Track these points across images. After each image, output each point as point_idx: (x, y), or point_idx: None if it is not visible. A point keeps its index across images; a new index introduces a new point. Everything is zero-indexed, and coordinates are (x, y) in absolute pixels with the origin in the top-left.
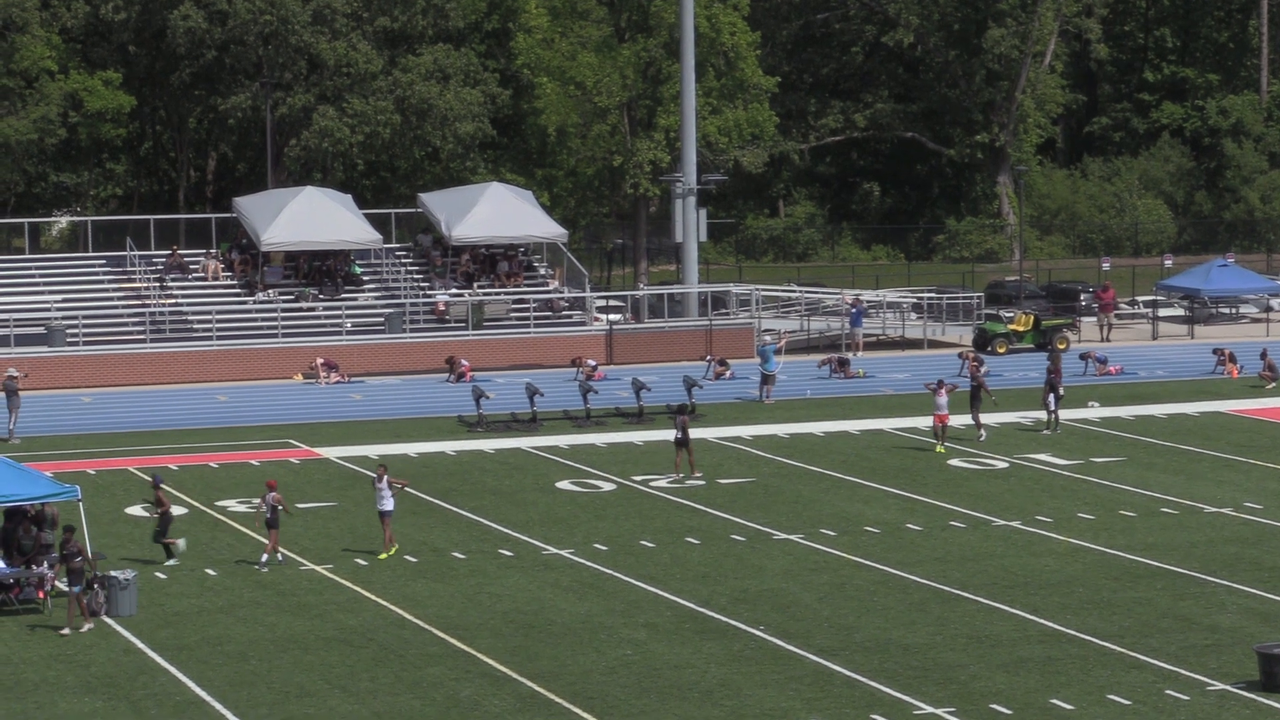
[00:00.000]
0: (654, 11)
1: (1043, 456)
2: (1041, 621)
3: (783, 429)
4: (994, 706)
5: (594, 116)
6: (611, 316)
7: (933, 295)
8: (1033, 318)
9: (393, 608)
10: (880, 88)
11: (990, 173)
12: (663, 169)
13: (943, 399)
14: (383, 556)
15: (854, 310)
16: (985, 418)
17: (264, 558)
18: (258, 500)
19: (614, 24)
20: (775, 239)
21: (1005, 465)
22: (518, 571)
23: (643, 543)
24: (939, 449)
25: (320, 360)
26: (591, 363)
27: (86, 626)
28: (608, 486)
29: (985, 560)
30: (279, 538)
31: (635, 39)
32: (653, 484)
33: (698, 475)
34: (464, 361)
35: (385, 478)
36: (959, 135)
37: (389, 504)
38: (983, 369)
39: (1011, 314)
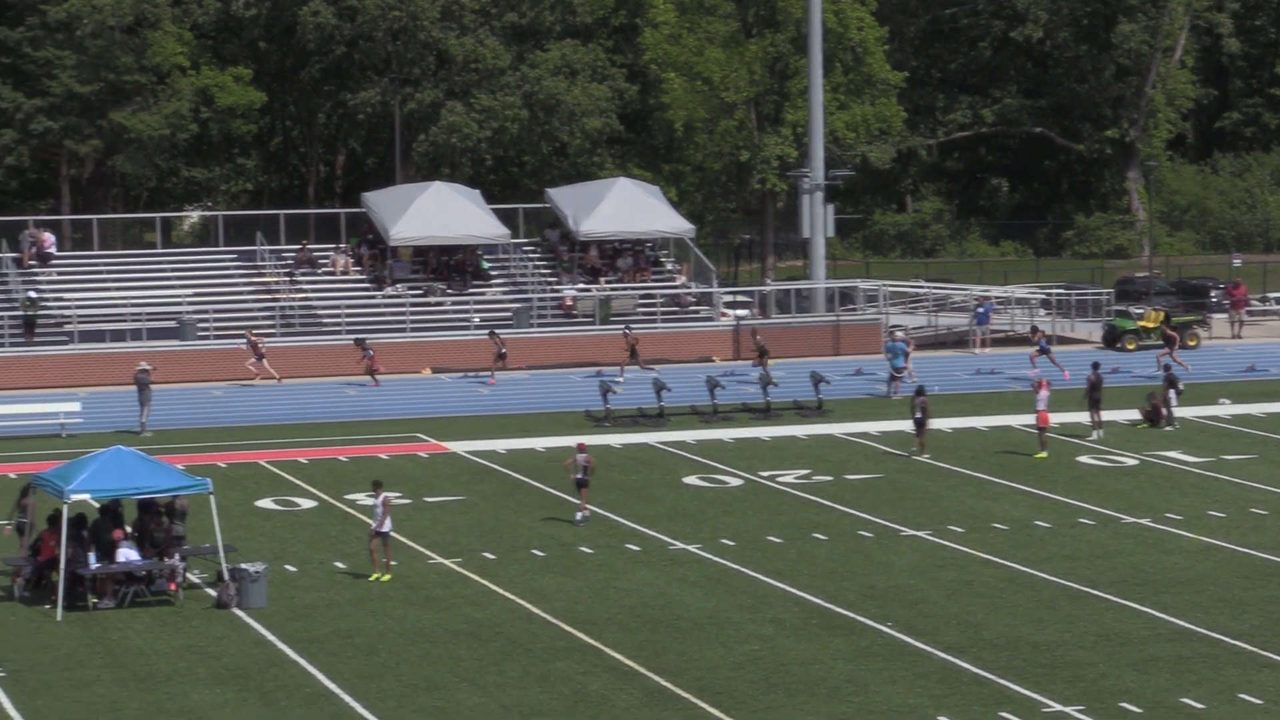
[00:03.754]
0: (782, 7)
1: (1172, 454)
2: (1171, 620)
3: (910, 425)
4: (1123, 705)
5: (721, 112)
6: (738, 312)
7: (1061, 291)
8: (1163, 314)
9: (521, 602)
10: (1009, 83)
11: (1120, 168)
12: (790, 164)
13: (1042, 394)
14: (378, 578)
15: (981, 307)
16: (1112, 414)
17: (578, 516)
18: (568, 460)
19: (741, 19)
20: (903, 234)
21: (1134, 462)
22: (645, 566)
23: (770, 538)
24: (1040, 454)
25: (253, 340)
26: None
27: None
28: (735, 481)
29: (1114, 558)
30: (588, 496)
31: (763, 34)
32: (780, 479)
33: (925, 455)
34: (370, 352)
35: (382, 495)
36: (1088, 130)
37: (387, 525)
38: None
39: (1141, 310)
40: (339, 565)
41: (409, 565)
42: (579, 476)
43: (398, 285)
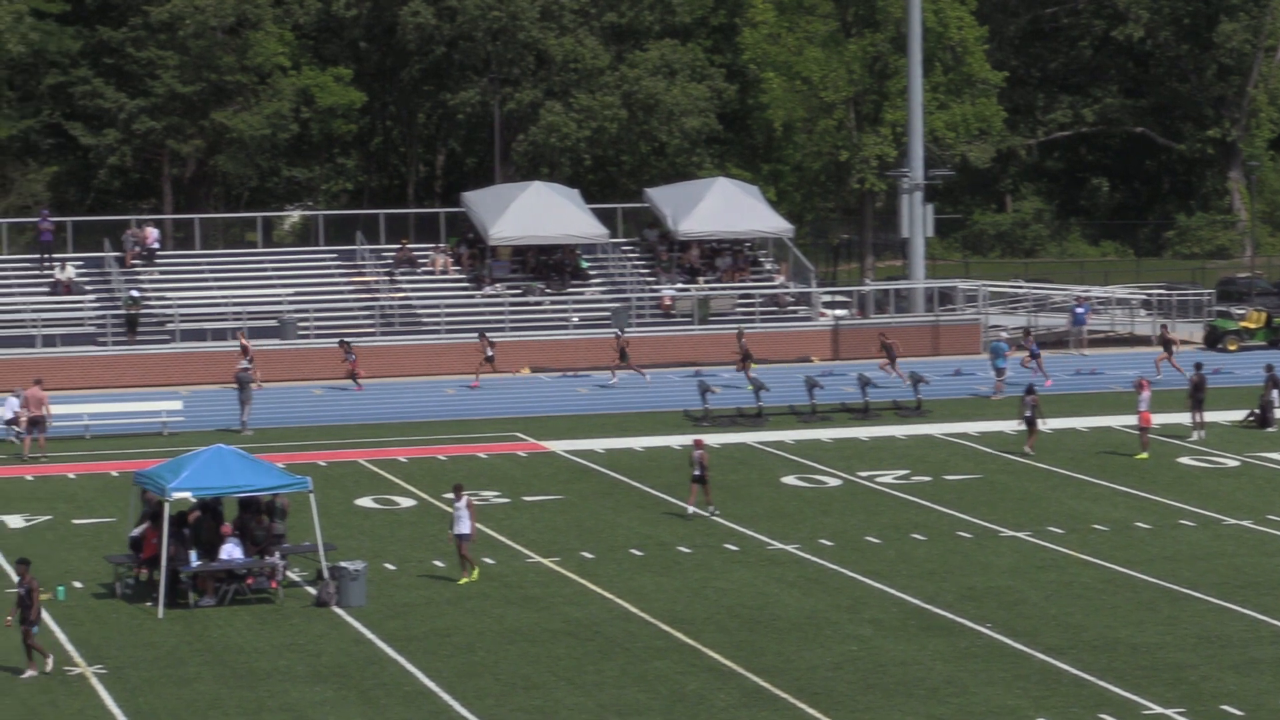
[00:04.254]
0: (881, 6)
1: (1275, 455)
2: (1274, 622)
3: (1010, 425)
4: (1225, 708)
5: (820, 111)
6: (837, 312)
7: (1162, 292)
8: (1265, 315)
9: (619, 601)
10: (1109, 82)
11: (1221, 168)
12: (889, 164)
13: (1144, 395)
14: (462, 581)
15: (1079, 308)
16: (1214, 415)
17: (694, 509)
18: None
19: (841, 19)
20: (1002, 234)
21: (1236, 464)
22: (743, 566)
23: (868, 538)
24: (1140, 455)
25: (241, 341)
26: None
27: (30, 673)
28: (833, 482)
29: (1216, 559)
30: (708, 491)
31: (862, 33)
32: (878, 479)
33: (1031, 453)
34: (353, 355)
35: (465, 498)
36: (1189, 130)
37: (465, 526)
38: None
39: (1243, 311)
40: (438, 564)
41: (507, 564)
42: (696, 473)
43: (497, 284)
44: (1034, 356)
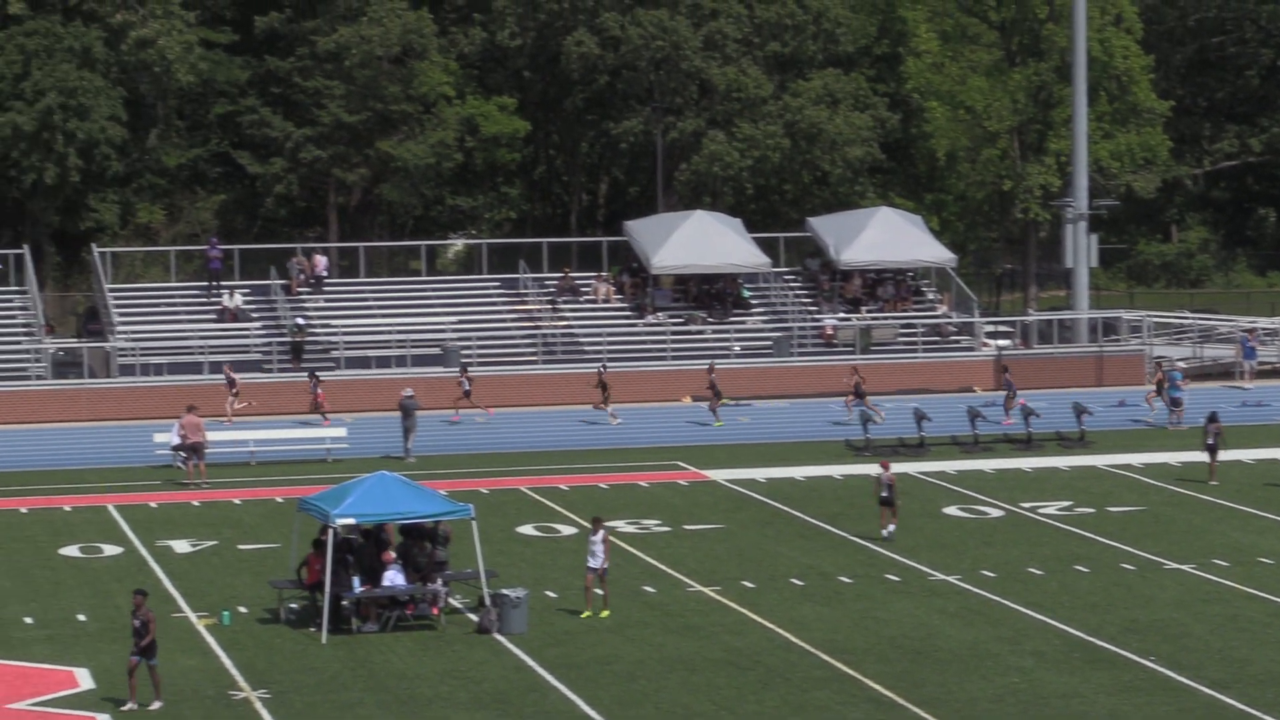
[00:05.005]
0: (1045, 35)
1: None
2: None
3: (1174, 457)
4: None
5: (984, 141)
6: (1000, 342)
7: None
8: None
9: (779, 630)
10: (1277, 111)
11: None
12: (1053, 193)
13: None
14: (587, 615)
15: (1248, 342)
16: None
17: (884, 531)
18: (876, 478)
19: (1005, 48)
20: (1167, 265)
21: None
22: (904, 597)
23: (1031, 570)
24: None
25: (230, 375)
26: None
27: (156, 705)
28: (995, 513)
29: None
30: (895, 513)
31: (1026, 63)
32: (1041, 510)
33: (1214, 482)
34: (318, 388)
35: (601, 532)
36: None
37: (600, 561)
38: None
39: None
40: (598, 591)
41: (668, 593)
42: (884, 494)
43: (659, 313)
44: (1010, 393)
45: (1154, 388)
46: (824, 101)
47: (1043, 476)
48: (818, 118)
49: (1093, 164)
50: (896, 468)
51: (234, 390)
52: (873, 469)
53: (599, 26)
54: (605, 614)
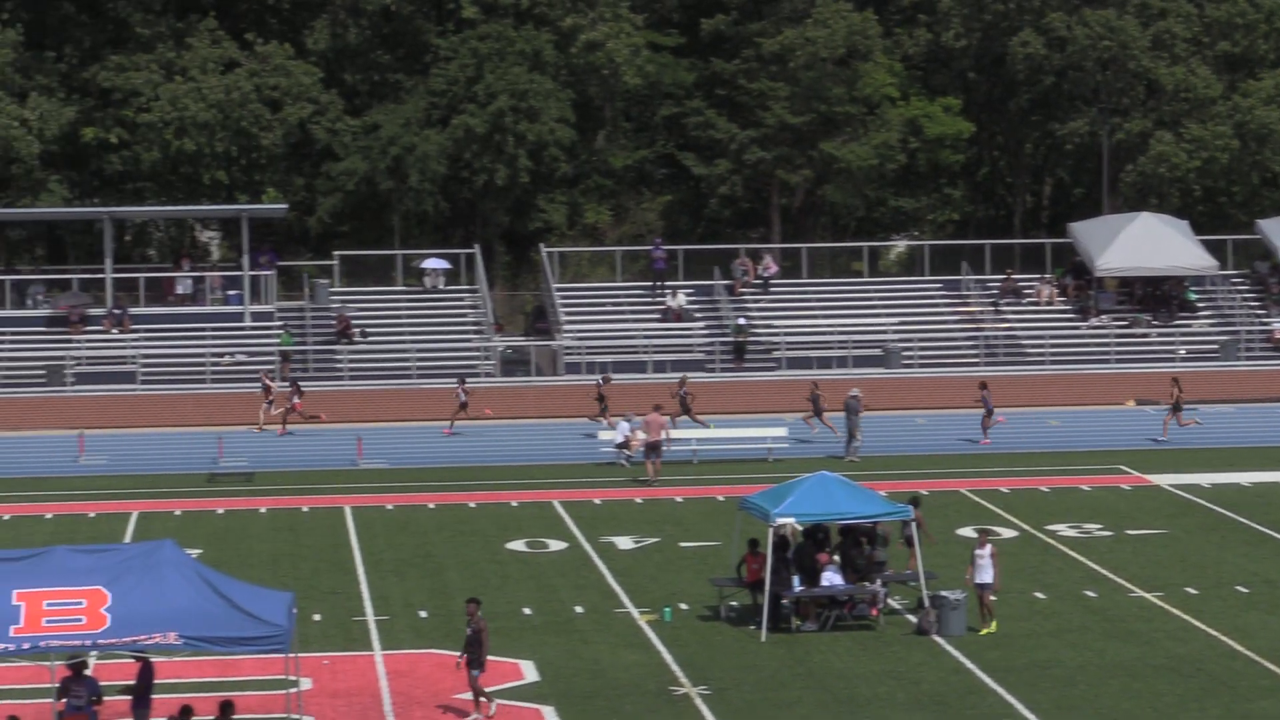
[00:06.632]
0: None
1: None
2: None
3: None
4: None
5: None
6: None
7: None
8: None
9: (1223, 638)
10: None
11: None
12: None
13: None
14: (984, 632)
15: None
16: None
17: None
18: None
19: None
20: None
21: None
22: None
23: None
24: None
25: (268, 382)
26: None
27: (474, 716)
28: None
29: None
30: None
31: None
32: None
33: None
34: (291, 397)
35: (988, 546)
36: None
37: (987, 575)
38: None
39: None
40: (1039, 595)
41: (1109, 598)
42: None
43: (1103, 316)
44: (988, 412)
45: None
46: (1275, 102)
47: None
48: (1268, 118)
49: None
50: None
51: (269, 397)
52: None
53: (1045, 27)
54: (989, 630)
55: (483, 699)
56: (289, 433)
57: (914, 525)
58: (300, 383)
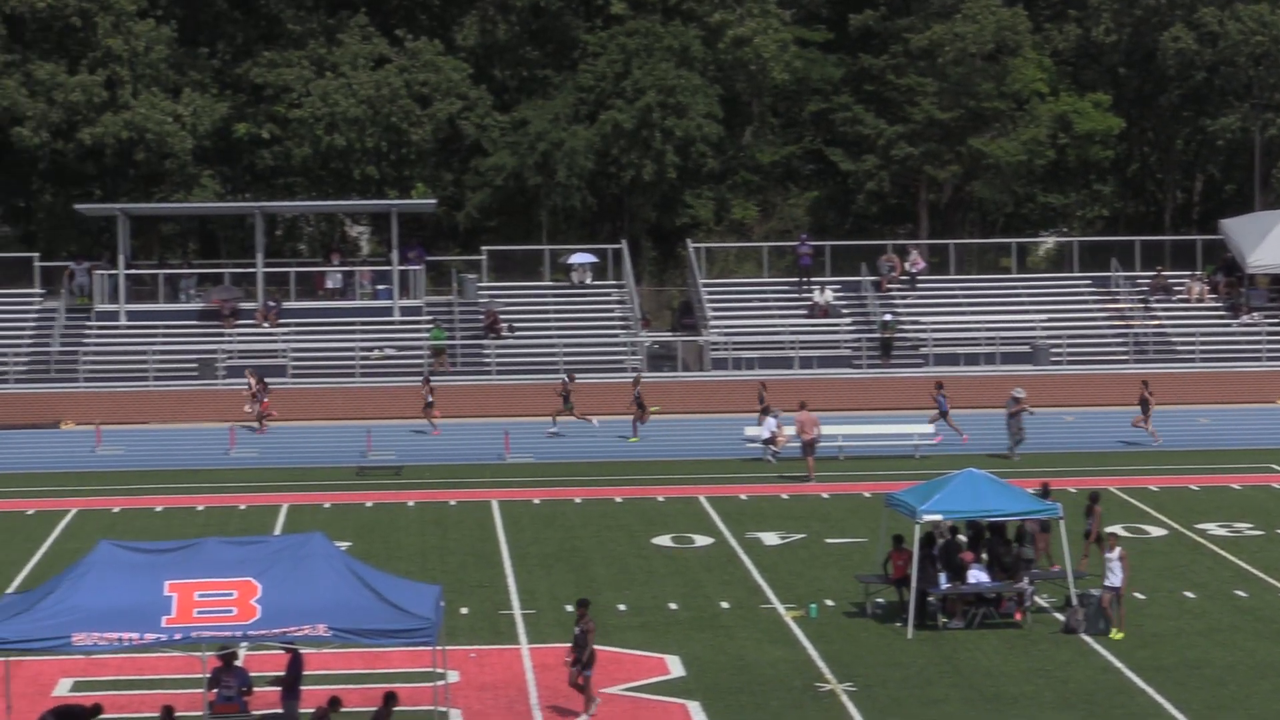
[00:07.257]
0: None
1: None
2: None
3: None
4: None
5: None
6: None
7: None
8: None
9: None
10: None
11: None
12: None
13: None
14: (1113, 636)
15: None
16: None
17: None
18: None
19: None
20: None
21: None
22: None
23: None
24: None
25: (251, 381)
26: None
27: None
28: None
29: None
30: None
31: None
32: None
33: None
34: (265, 397)
35: (1117, 549)
36: None
37: (1117, 579)
38: None
39: None
40: (1188, 595)
41: (1260, 598)
42: None
43: (1254, 313)
44: (943, 414)
45: None
46: None
47: None
48: None
49: None
50: None
51: (252, 393)
52: None
53: (1197, 22)
54: (1118, 635)
55: (593, 699)
56: (267, 431)
57: (1093, 519)
58: (267, 380)
